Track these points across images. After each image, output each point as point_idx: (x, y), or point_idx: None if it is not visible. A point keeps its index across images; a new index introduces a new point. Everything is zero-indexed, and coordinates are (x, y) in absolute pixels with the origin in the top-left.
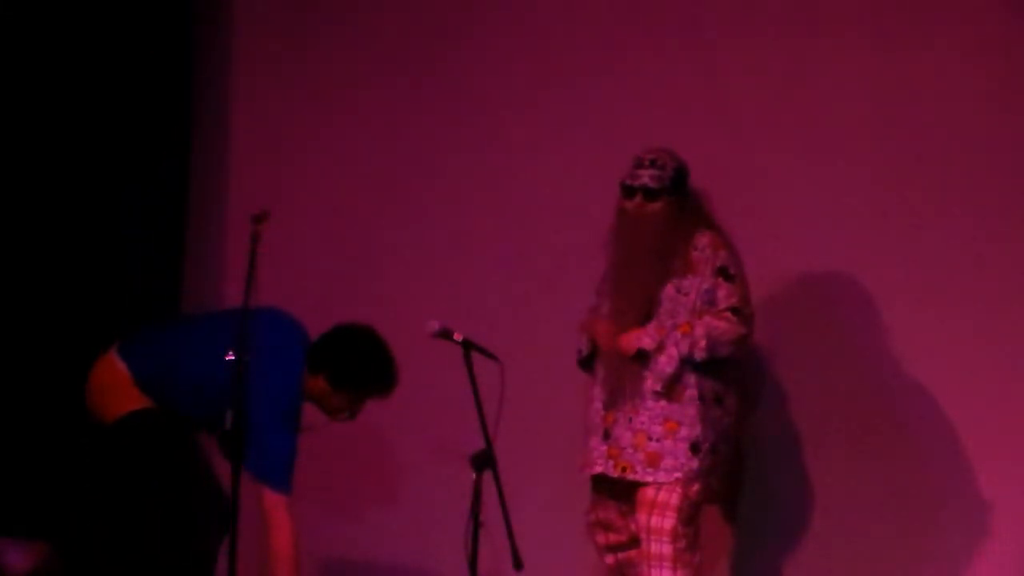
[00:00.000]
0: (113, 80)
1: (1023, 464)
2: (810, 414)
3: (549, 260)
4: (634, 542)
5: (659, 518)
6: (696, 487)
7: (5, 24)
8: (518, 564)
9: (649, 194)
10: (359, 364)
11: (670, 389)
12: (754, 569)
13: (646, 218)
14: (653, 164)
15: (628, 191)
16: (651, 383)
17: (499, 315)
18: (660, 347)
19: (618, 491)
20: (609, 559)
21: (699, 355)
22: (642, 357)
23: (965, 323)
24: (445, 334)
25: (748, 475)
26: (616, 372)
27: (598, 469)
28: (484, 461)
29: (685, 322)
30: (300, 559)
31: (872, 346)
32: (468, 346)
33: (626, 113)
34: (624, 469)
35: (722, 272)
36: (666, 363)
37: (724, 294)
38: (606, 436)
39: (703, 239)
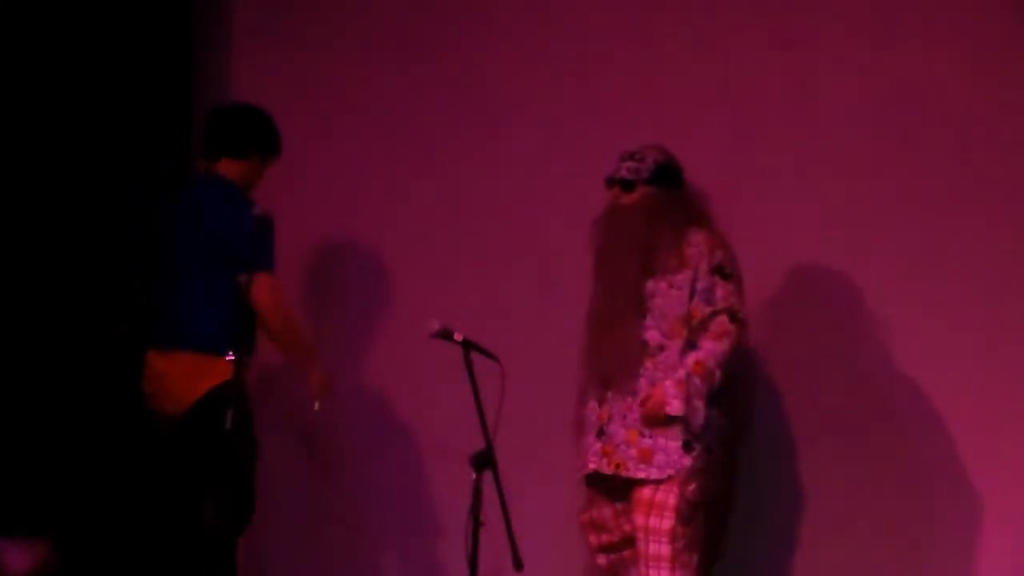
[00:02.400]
0: (113, 80)
1: (1019, 462)
2: (806, 414)
3: (550, 260)
4: (626, 542)
5: (657, 519)
6: (692, 487)
7: (5, 24)
8: (518, 564)
9: (626, 185)
10: (261, 122)
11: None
12: (751, 569)
13: (622, 209)
14: (632, 157)
15: (608, 184)
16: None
17: (499, 315)
18: (688, 403)
19: (612, 489)
20: (601, 560)
21: (716, 385)
22: (643, 350)
23: (962, 322)
24: (445, 334)
25: (744, 475)
26: (609, 363)
27: (592, 467)
28: (484, 461)
29: (694, 362)
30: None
31: (869, 345)
32: (468, 346)
33: (627, 112)
34: (618, 466)
35: (719, 271)
36: (698, 417)
37: (723, 294)
38: (600, 433)
39: (697, 236)
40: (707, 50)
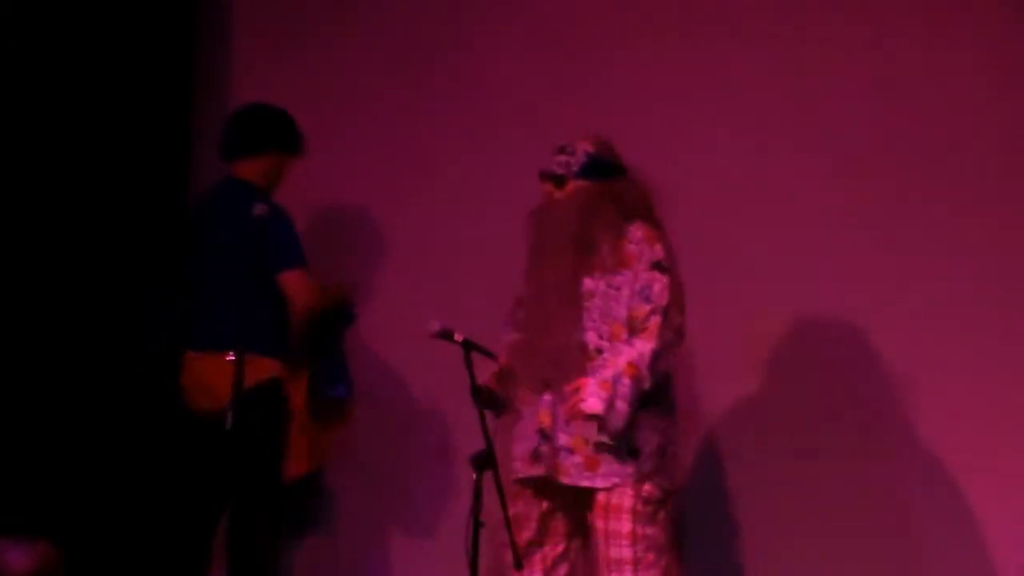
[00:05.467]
0: (114, 80)
1: (995, 466)
2: (799, 414)
3: None
4: (543, 539)
5: (615, 522)
6: (648, 487)
7: (5, 24)
8: (518, 564)
9: (557, 180)
10: (282, 118)
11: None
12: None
13: (554, 205)
14: (563, 151)
15: (541, 178)
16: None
17: (499, 315)
18: (610, 404)
19: (543, 490)
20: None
21: (646, 386)
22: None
23: (958, 324)
24: (445, 334)
25: (718, 480)
26: (546, 367)
27: (532, 471)
28: (484, 461)
29: (626, 363)
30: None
31: (845, 348)
32: (468, 346)
33: (625, 112)
34: (556, 469)
35: (657, 266)
36: (618, 419)
37: (659, 289)
38: (544, 437)
39: (638, 232)
40: (705, 50)
